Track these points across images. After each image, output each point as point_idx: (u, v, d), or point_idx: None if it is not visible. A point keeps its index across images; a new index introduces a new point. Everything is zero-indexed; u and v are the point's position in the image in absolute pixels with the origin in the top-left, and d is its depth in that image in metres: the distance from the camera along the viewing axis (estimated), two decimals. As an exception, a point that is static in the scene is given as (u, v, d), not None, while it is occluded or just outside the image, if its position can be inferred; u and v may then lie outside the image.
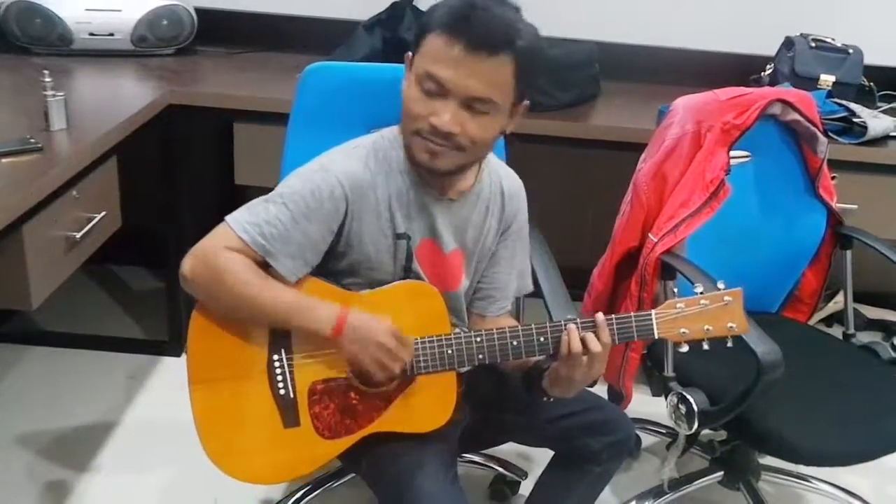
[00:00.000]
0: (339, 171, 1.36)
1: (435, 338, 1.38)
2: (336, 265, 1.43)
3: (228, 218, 1.34)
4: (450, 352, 1.37)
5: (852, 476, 2.20)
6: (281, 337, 1.38)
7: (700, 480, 2.06)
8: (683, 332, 1.38)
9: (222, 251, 1.31)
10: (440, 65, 1.25)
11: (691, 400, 1.64)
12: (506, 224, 1.53)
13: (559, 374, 1.36)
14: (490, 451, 2.02)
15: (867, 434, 1.72)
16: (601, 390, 2.04)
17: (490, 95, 1.27)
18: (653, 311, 1.38)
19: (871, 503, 2.12)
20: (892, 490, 2.26)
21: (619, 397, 2.00)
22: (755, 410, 1.62)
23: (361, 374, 1.39)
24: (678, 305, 1.38)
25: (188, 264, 1.33)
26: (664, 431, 2.29)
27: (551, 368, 1.38)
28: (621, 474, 2.14)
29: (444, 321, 1.42)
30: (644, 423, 2.30)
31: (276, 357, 1.38)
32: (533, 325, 1.37)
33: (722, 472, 2.05)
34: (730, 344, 1.40)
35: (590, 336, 1.32)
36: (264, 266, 1.34)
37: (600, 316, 1.34)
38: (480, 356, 1.38)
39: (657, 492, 2.02)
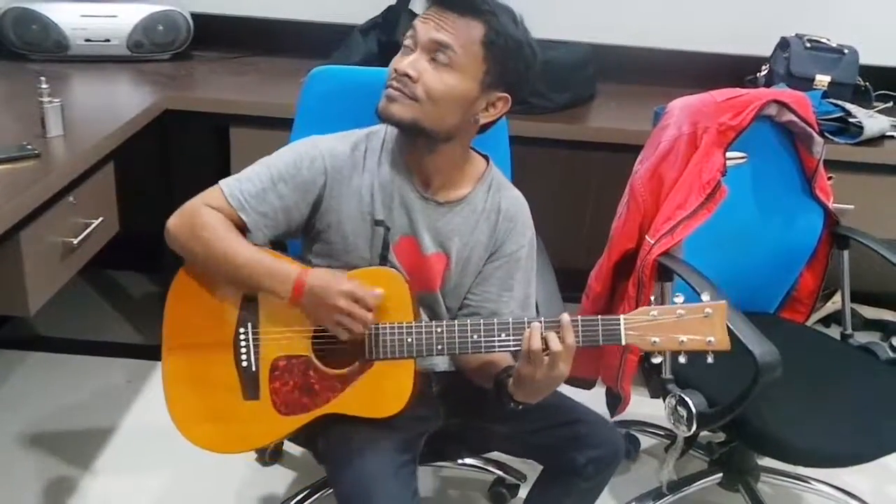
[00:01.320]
0: (324, 148, 1.45)
1: (396, 325, 1.38)
2: (315, 247, 1.48)
3: (221, 180, 1.44)
4: (409, 340, 1.38)
5: (851, 477, 2.21)
6: (250, 311, 1.43)
7: (699, 482, 2.06)
8: (654, 342, 1.32)
9: (205, 208, 1.40)
10: (417, 21, 1.37)
11: (689, 402, 1.63)
12: (496, 243, 1.52)
13: (521, 373, 1.33)
14: (488, 454, 2.02)
15: (866, 435, 1.72)
16: (600, 392, 2.05)
17: (451, 42, 1.33)
18: (622, 316, 1.33)
19: (871, 504, 2.13)
20: (891, 490, 2.26)
21: (617, 400, 2.00)
22: (753, 412, 1.62)
23: (324, 350, 1.42)
24: (651, 313, 1.32)
25: (172, 219, 1.41)
26: (663, 433, 2.29)
27: (515, 369, 1.36)
28: (620, 476, 2.14)
29: (407, 309, 1.41)
30: (642, 425, 2.30)
31: (242, 330, 1.43)
32: (495, 322, 1.37)
33: (721, 474, 2.06)
34: (710, 360, 1.33)
35: (552, 335, 1.29)
36: (244, 232, 1.41)
37: (565, 316, 1.31)
38: (440, 346, 1.38)
39: (656, 494, 2.02)
